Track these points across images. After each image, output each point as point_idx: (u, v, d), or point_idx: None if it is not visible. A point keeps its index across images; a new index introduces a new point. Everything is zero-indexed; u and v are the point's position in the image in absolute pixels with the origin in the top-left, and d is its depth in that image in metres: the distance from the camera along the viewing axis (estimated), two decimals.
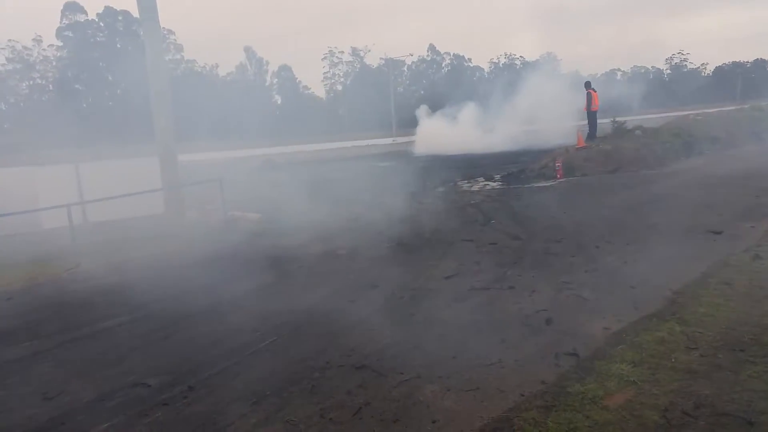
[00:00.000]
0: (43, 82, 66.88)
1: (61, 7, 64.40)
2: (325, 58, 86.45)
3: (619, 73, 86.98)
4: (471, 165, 21.61)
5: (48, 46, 65.20)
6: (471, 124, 35.26)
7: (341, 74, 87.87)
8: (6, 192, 11.59)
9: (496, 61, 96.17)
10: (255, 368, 4.66)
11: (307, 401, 4.02)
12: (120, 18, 66.29)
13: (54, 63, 66.00)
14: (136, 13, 14.71)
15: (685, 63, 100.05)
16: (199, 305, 6.48)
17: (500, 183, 16.09)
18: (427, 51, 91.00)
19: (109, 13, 66.05)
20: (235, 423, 3.81)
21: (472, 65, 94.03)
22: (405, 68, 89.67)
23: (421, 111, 40.73)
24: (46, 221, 11.42)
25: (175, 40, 71.34)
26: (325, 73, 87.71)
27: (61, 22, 64.46)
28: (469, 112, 37.30)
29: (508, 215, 10.75)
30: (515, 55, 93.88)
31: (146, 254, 9.62)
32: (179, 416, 3.96)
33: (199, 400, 4.16)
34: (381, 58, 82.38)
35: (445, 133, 33.89)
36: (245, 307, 6.35)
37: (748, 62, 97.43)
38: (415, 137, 38.08)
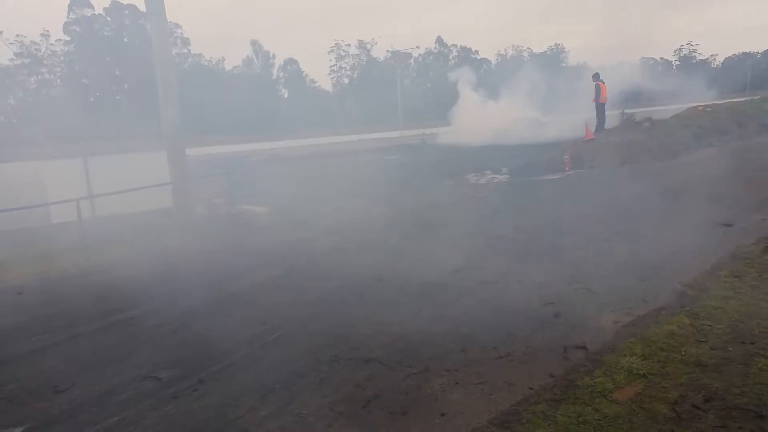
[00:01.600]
0: (51, 77, 67.12)
1: (69, 2, 64.55)
2: (331, 51, 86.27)
3: (627, 65, 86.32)
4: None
5: (56, 41, 65.39)
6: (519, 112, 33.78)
7: (348, 67, 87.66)
8: (15, 186, 11.65)
9: (504, 53, 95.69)
10: (264, 361, 4.68)
11: (316, 394, 4.03)
12: (127, 12, 66.36)
13: (62, 57, 66.19)
14: (142, 7, 14.72)
15: (694, 54, 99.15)
16: (208, 298, 6.51)
17: (508, 176, 16.04)
18: (435, 43, 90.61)
19: (116, 7, 66.14)
20: (245, 416, 3.83)
21: (479, 57, 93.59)
22: (412, 61, 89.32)
23: (464, 81, 38.35)
24: (55, 215, 11.48)
25: (182, 33, 71.38)
26: (331, 66, 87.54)
27: (68, 17, 64.60)
28: (517, 100, 36.20)
29: (516, 208, 10.72)
30: (523, 46, 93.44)
31: (154, 248, 9.67)
32: (189, 409, 3.98)
33: (209, 393, 4.18)
34: (388, 51, 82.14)
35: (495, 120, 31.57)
36: (253, 300, 6.37)
37: (758, 53, 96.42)
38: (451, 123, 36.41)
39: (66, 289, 7.62)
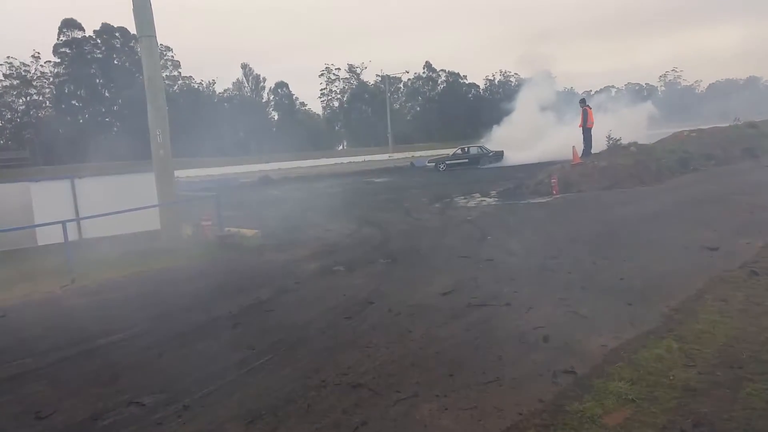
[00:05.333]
0: (40, 98, 67.08)
1: (59, 24, 64.77)
2: (322, 74, 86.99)
3: (613, 90, 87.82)
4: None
5: (45, 63, 65.48)
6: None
7: (338, 91, 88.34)
8: (1, 208, 11.53)
9: (491, 78, 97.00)
10: (250, 386, 4.61)
11: (303, 420, 3.97)
12: (117, 34, 66.72)
13: (51, 79, 66.20)
14: (133, 30, 14.79)
15: (678, 80, 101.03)
16: (194, 322, 6.44)
17: (496, 199, 16.15)
18: (423, 68, 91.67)
19: (106, 29, 66.47)
20: None
21: (467, 82, 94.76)
22: (401, 85, 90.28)
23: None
24: (41, 237, 11.35)
25: (173, 56, 71.81)
26: (321, 89, 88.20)
27: (58, 39, 64.79)
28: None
29: (505, 231, 10.76)
30: (510, 72, 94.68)
31: (141, 270, 9.58)
32: None
33: (194, 419, 4.11)
34: (377, 75, 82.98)
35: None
36: (240, 323, 6.31)
37: (741, 79, 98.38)
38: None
39: (50, 311, 7.50)
